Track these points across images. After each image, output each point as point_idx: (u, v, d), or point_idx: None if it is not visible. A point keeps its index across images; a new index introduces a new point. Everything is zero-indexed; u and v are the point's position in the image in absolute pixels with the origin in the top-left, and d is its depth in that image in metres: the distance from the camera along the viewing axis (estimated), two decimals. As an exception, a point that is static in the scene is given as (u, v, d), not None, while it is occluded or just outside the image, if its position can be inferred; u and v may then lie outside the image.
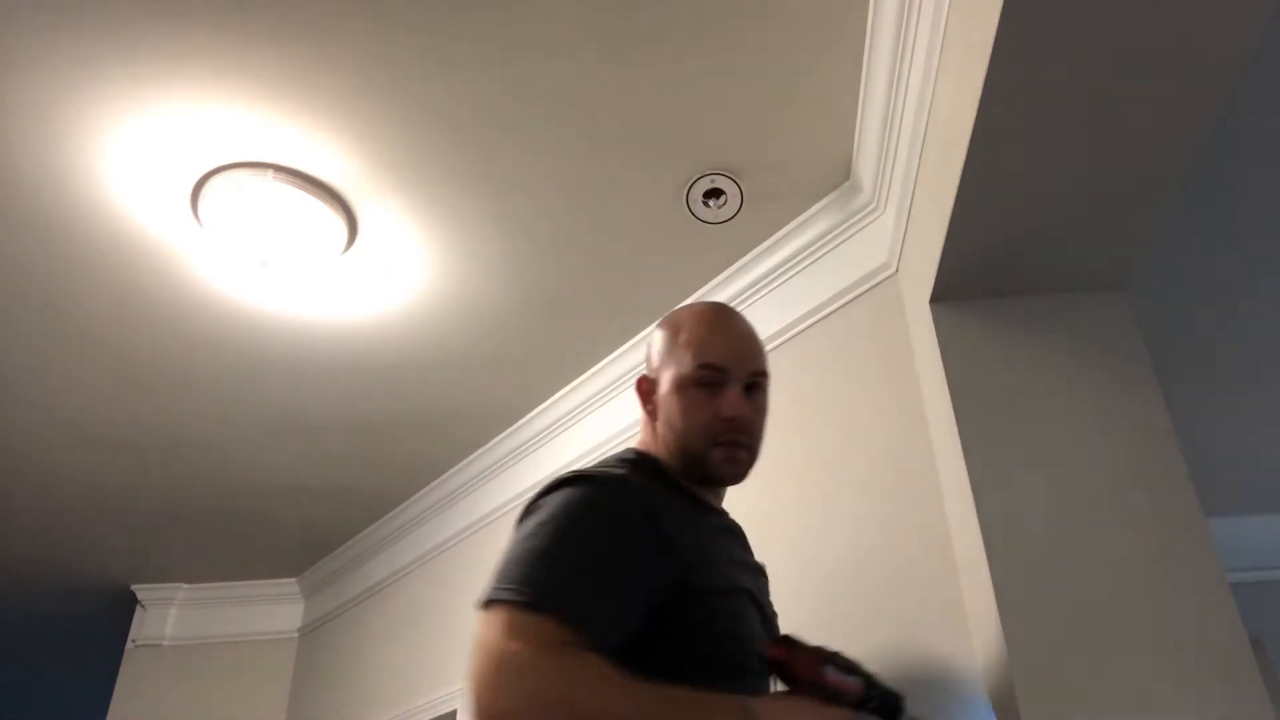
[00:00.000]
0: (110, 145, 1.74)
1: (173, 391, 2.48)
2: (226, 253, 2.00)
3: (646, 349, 1.30)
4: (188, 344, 2.30)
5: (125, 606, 3.65)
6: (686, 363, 1.18)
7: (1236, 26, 1.07)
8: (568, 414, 2.58)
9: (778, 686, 1.03)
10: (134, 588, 3.59)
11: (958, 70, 1.28)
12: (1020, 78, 1.12)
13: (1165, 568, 1.26)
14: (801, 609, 1.50)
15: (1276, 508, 3.30)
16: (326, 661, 3.43)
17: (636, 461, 1.18)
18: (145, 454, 2.75)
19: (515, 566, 0.95)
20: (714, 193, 1.92)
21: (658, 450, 1.21)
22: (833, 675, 0.99)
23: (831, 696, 0.98)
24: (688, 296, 2.21)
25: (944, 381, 1.45)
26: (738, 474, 1.19)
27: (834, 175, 1.91)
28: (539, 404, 2.63)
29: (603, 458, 1.25)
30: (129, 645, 3.56)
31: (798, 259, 2.03)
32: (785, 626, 1.28)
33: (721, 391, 1.17)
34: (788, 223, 2.02)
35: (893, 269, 1.85)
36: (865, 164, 1.82)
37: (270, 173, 1.81)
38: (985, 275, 1.46)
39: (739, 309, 2.15)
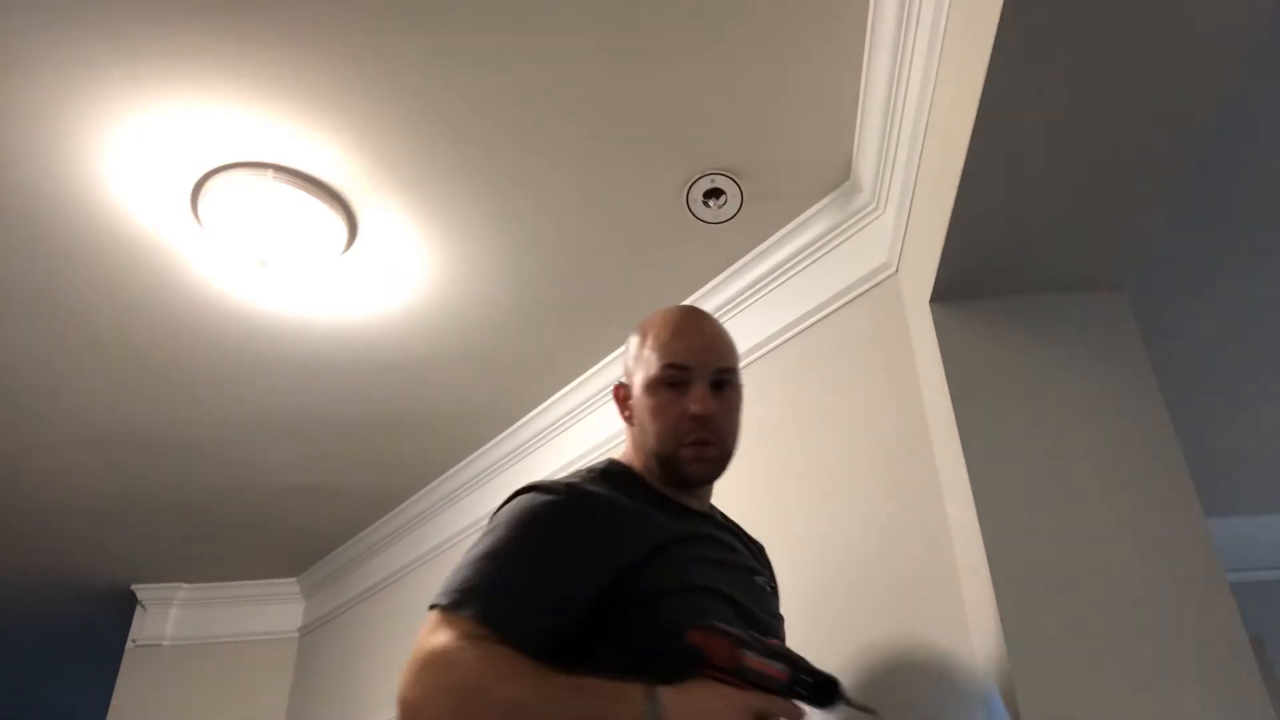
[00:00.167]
0: (110, 145, 1.74)
1: (173, 391, 2.48)
2: (226, 252, 2.00)
3: (623, 356, 1.33)
4: (188, 344, 2.30)
5: (125, 606, 3.65)
6: (653, 364, 1.22)
7: (1236, 26, 1.07)
8: (568, 414, 2.58)
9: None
10: (134, 588, 3.59)
11: (958, 70, 1.28)
12: (1020, 78, 1.12)
13: (1165, 568, 1.26)
14: (802, 609, 1.50)
15: (1276, 508, 3.30)
16: (326, 661, 3.42)
17: (605, 470, 1.22)
18: (145, 454, 2.75)
19: (451, 574, 1.03)
20: (714, 193, 1.92)
21: (635, 457, 1.24)
22: (752, 659, 0.98)
23: (754, 682, 0.97)
24: (688, 296, 2.21)
25: (944, 381, 1.45)
26: (707, 471, 1.22)
27: (834, 175, 1.91)
28: (539, 404, 2.63)
29: (591, 463, 1.27)
30: (129, 645, 3.56)
31: (798, 259, 2.03)
32: (785, 626, 1.28)
33: (688, 390, 1.19)
34: (788, 222, 2.02)
35: (893, 269, 1.84)
36: (865, 164, 1.82)
37: (270, 173, 1.81)
38: (985, 275, 1.46)
39: (739, 309, 2.18)
